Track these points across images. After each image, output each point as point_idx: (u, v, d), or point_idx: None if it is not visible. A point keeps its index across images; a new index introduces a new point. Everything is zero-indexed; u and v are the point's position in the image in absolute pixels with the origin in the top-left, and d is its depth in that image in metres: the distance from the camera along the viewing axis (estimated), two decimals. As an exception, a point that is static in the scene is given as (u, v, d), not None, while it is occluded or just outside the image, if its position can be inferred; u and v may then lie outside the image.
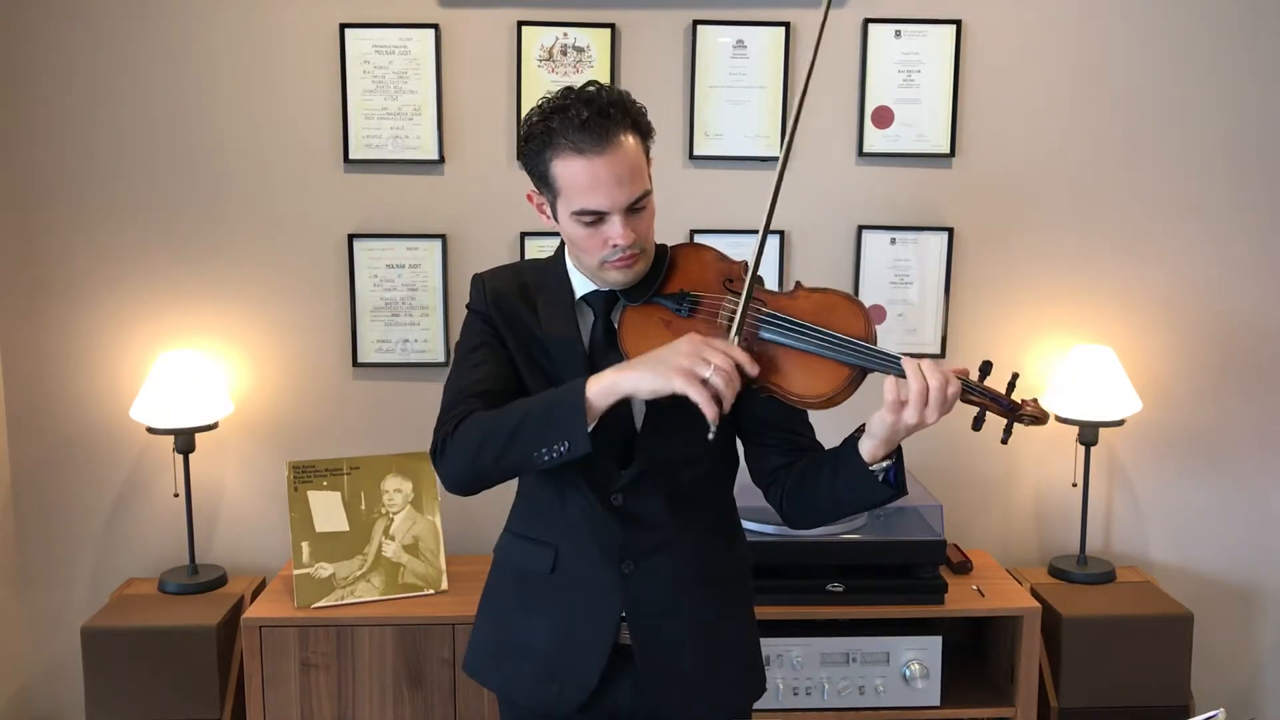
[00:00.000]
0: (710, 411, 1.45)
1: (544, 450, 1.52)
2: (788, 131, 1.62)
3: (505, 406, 1.58)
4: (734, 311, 1.58)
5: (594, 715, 1.72)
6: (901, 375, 1.48)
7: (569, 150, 1.53)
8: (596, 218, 1.56)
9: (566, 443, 1.50)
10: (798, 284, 1.65)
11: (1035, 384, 2.82)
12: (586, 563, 1.70)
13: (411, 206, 2.77)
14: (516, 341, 1.69)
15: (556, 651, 1.71)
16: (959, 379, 1.49)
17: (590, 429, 1.50)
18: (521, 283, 1.72)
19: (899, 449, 1.57)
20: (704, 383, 1.44)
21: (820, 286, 1.64)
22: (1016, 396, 1.52)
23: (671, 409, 1.60)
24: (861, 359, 1.52)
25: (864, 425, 1.57)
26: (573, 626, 1.70)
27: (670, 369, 1.46)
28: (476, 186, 2.77)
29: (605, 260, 1.59)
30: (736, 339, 1.54)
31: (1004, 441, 1.53)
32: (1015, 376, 1.54)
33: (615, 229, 1.56)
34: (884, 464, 1.56)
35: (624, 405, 1.61)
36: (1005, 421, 1.52)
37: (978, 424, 1.54)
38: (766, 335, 1.57)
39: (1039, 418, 1.51)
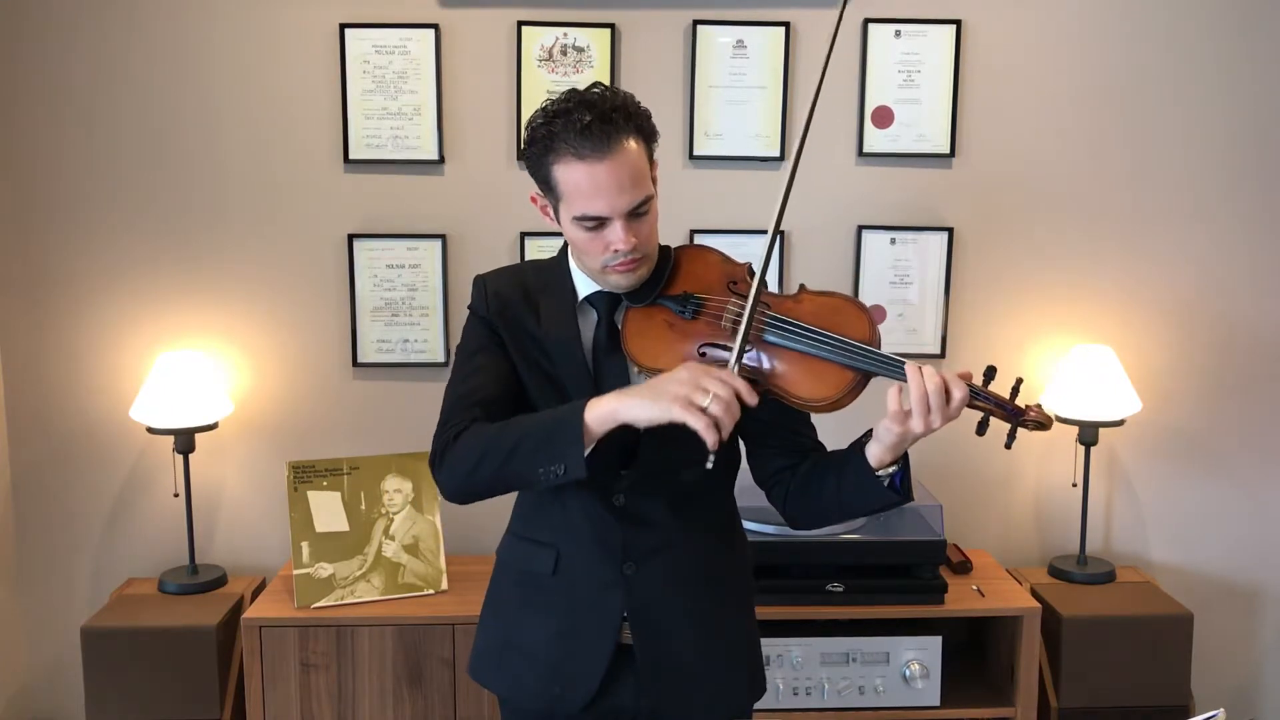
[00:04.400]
0: (710, 438, 1.44)
1: (540, 471, 1.52)
2: (799, 138, 1.63)
3: (505, 422, 1.58)
4: (738, 314, 1.58)
5: (596, 715, 1.72)
6: (904, 380, 1.49)
7: (570, 155, 1.53)
8: (597, 223, 1.56)
9: (563, 466, 1.50)
10: (801, 286, 1.65)
11: (1035, 384, 2.81)
12: (588, 563, 1.70)
13: (411, 206, 2.77)
14: (516, 344, 1.69)
15: (559, 652, 1.71)
16: (964, 383, 1.49)
17: (588, 452, 1.50)
18: (523, 284, 1.72)
19: (905, 455, 1.58)
20: (703, 411, 1.44)
21: (824, 290, 1.64)
22: (1020, 402, 1.51)
23: None
24: (865, 363, 1.53)
25: (871, 430, 1.57)
26: (575, 627, 1.70)
27: (669, 397, 1.45)
28: (476, 186, 2.77)
29: (606, 264, 1.59)
30: (741, 344, 1.54)
31: (1007, 446, 1.54)
32: (1019, 381, 1.53)
33: (616, 234, 1.56)
34: (891, 470, 1.57)
35: None
36: (1009, 427, 1.52)
37: (981, 429, 1.54)
38: (771, 339, 1.57)
39: (1043, 423, 1.51)
